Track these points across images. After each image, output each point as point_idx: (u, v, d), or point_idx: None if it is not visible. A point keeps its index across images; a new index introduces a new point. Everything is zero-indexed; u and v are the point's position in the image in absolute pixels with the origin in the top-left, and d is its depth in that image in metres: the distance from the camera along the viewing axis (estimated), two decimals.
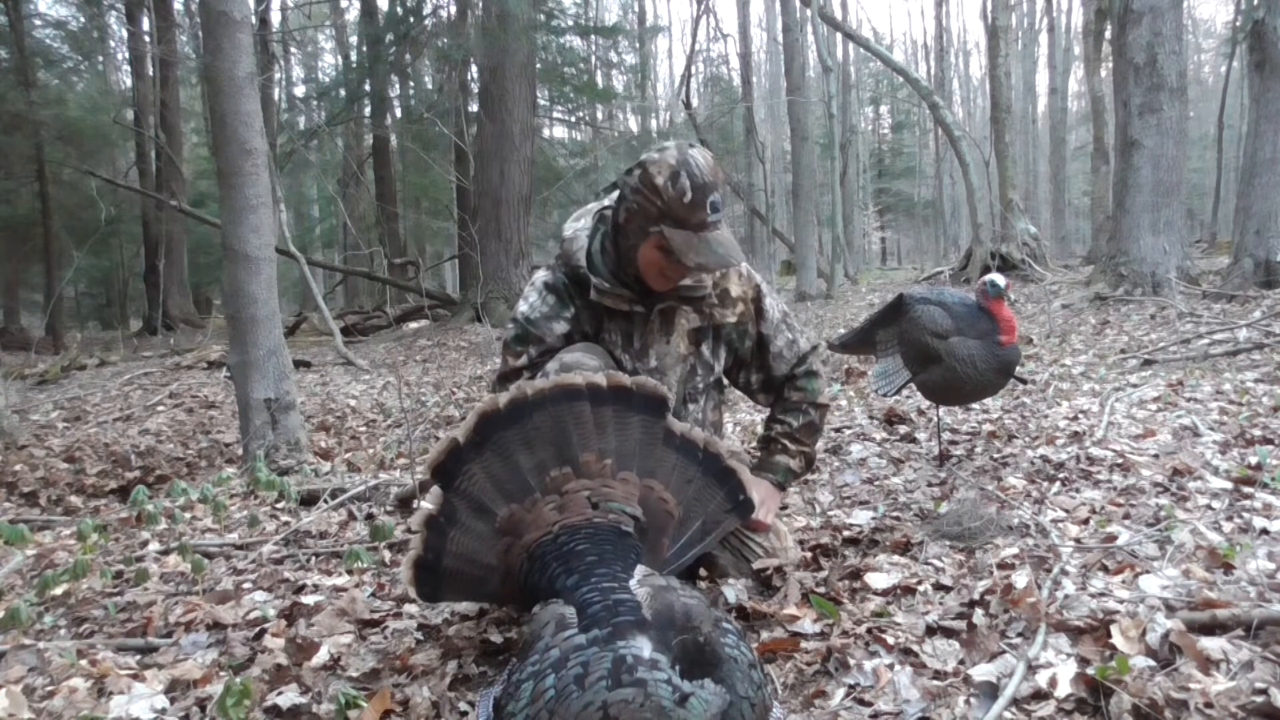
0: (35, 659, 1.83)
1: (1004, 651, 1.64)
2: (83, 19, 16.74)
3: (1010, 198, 12.50)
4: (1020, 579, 1.89)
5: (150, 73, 16.72)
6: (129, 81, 18.86)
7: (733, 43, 26.95)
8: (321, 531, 2.83)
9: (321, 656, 1.78)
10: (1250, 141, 8.32)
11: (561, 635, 1.22)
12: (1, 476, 4.40)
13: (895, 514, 2.59)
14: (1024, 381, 3.78)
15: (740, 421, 4.33)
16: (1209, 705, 1.38)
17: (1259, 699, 1.38)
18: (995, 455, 3.21)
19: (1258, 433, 3.15)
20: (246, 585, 2.32)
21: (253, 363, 3.96)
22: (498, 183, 11.82)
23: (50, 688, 1.71)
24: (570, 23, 15.30)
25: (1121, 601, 1.79)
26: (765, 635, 1.79)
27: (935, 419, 3.62)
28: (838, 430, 3.90)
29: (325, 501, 3.13)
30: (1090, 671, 1.49)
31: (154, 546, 2.73)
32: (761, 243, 26.48)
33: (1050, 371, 5.08)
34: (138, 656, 1.89)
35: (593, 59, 17.50)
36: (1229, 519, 2.27)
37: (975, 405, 3.94)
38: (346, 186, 17.49)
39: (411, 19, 13.19)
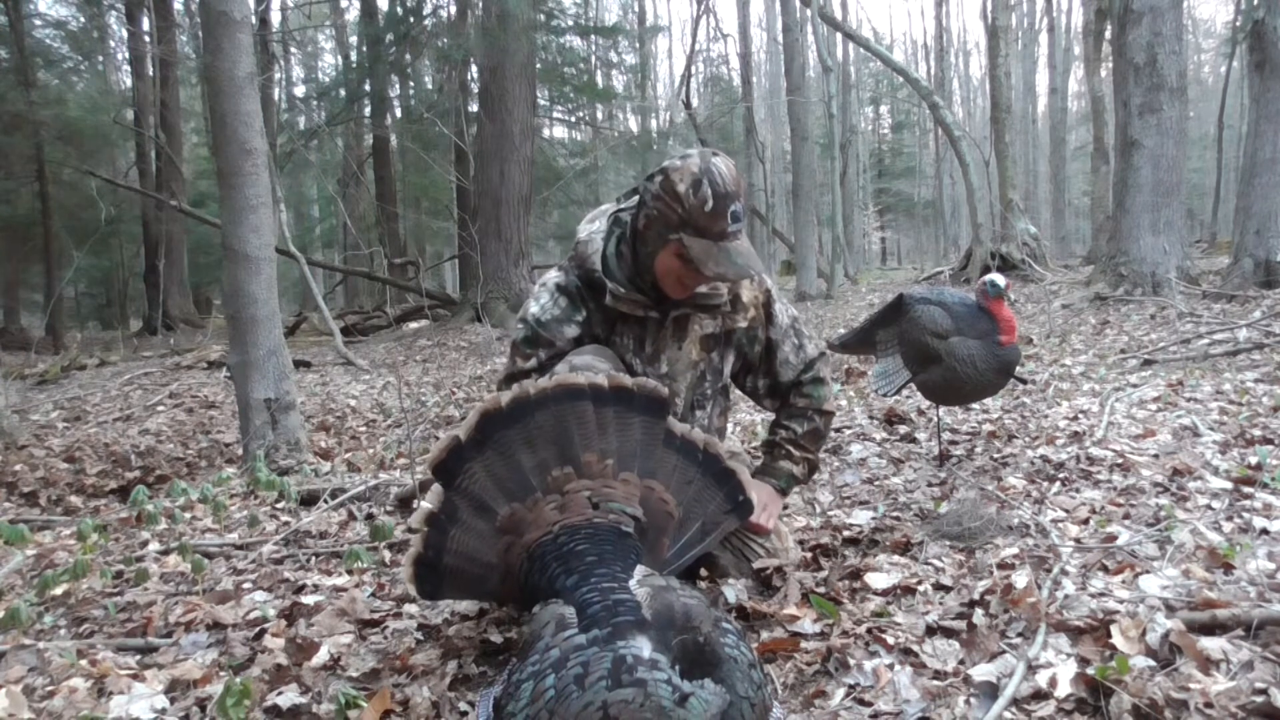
0: (35, 659, 1.83)
1: (1004, 651, 1.64)
2: (83, 19, 16.75)
3: (1010, 198, 12.50)
4: (1020, 579, 1.89)
5: (150, 73, 16.72)
6: (129, 81, 18.87)
7: (733, 43, 26.97)
8: (321, 531, 2.83)
9: (321, 656, 1.78)
10: (1250, 141, 8.32)
11: (561, 635, 1.22)
12: (1, 476, 4.40)
13: (895, 514, 2.59)
14: (1024, 381, 3.78)
15: (740, 422, 4.33)
16: (1209, 705, 1.38)
17: (1259, 699, 1.38)
18: (995, 455, 3.21)
19: (1258, 433, 3.15)
20: (246, 585, 2.32)
21: (253, 363, 3.96)
22: (498, 183, 11.82)
23: (50, 688, 1.71)
24: (570, 23, 15.31)
25: (1121, 601, 1.79)
26: (765, 635, 1.79)
27: (935, 419, 3.62)
28: (838, 430, 3.90)
29: (325, 501, 3.13)
30: (1090, 671, 1.49)
31: (154, 546, 2.73)
32: (761, 243, 26.46)
33: (1050, 371, 5.08)
34: (138, 656, 1.89)
35: (593, 59, 17.51)
36: (1229, 519, 2.27)
37: (975, 405, 3.94)
38: (346, 186, 17.49)
39: (411, 19, 13.19)
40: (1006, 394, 4.22)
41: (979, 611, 1.80)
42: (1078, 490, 2.67)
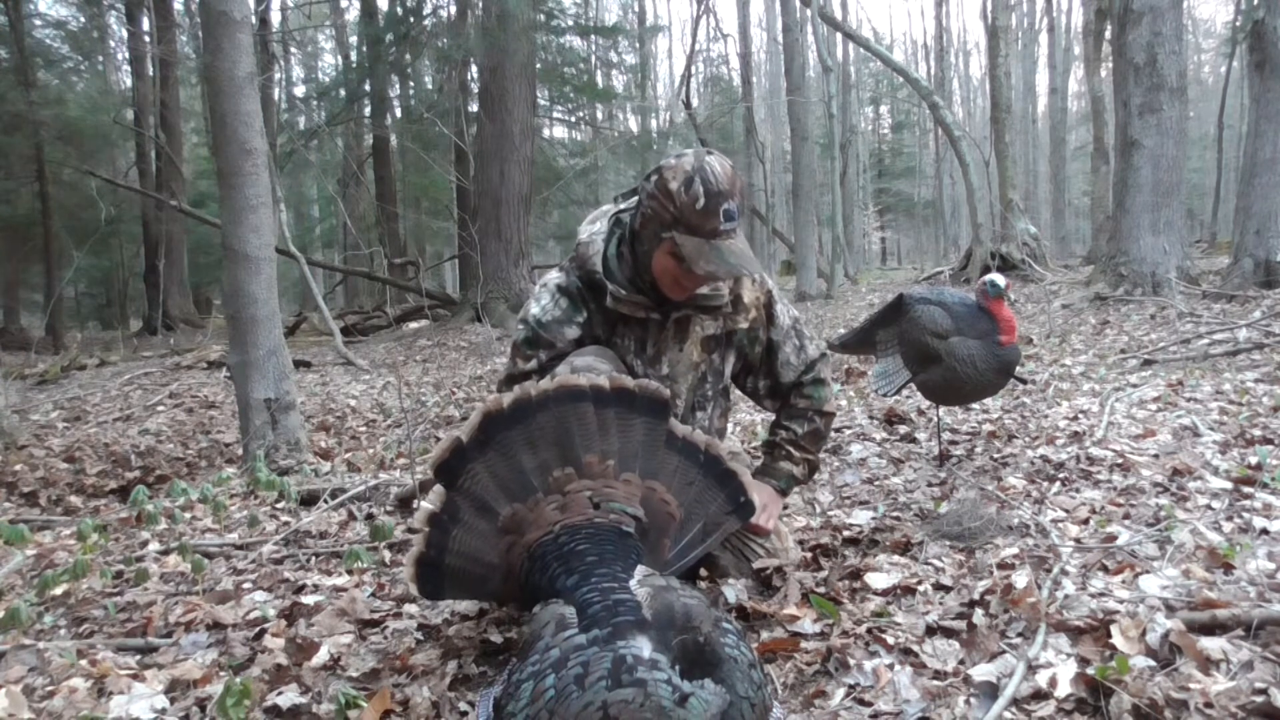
0: (35, 659, 1.83)
1: (1004, 651, 1.64)
2: (83, 19, 16.76)
3: (1010, 198, 12.50)
4: (1020, 579, 1.89)
5: (150, 73, 16.72)
6: (129, 81, 18.86)
7: (733, 43, 26.96)
8: (321, 531, 2.83)
9: (321, 656, 1.78)
10: (1250, 141, 8.32)
11: (562, 635, 1.22)
12: (1, 476, 4.40)
13: (895, 514, 2.59)
14: (1024, 381, 3.78)
15: (740, 422, 4.33)
16: (1209, 705, 1.38)
17: (1259, 699, 1.38)
18: (995, 455, 3.21)
19: (1258, 433, 3.15)
20: (246, 585, 2.32)
21: (253, 363, 3.96)
22: (498, 183, 11.82)
23: (50, 688, 1.71)
24: (570, 23, 15.31)
25: (1121, 601, 1.79)
26: (765, 635, 1.79)
27: (935, 419, 3.62)
28: (838, 430, 3.90)
29: (325, 501, 3.13)
30: (1090, 671, 1.49)
31: (154, 546, 2.73)
32: (761, 243, 26.47)
33: (1050, 371, 5.08)
34: (138, 656, 1.89)
35: (593, 59, 17.51)
36: (1229, 519, 2.27)
37: (975, 405, 3.94)
38: (346, 186, 17.49)
39: (411, 19, 13.19)
40: (1006, 394, 4.22)
41: (979, 611, 1.80)
42: (1078, 490, 2.67)
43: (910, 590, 1.96)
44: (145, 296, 17.29)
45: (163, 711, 1.62)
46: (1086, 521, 2.36)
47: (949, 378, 2.99)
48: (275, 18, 17.65)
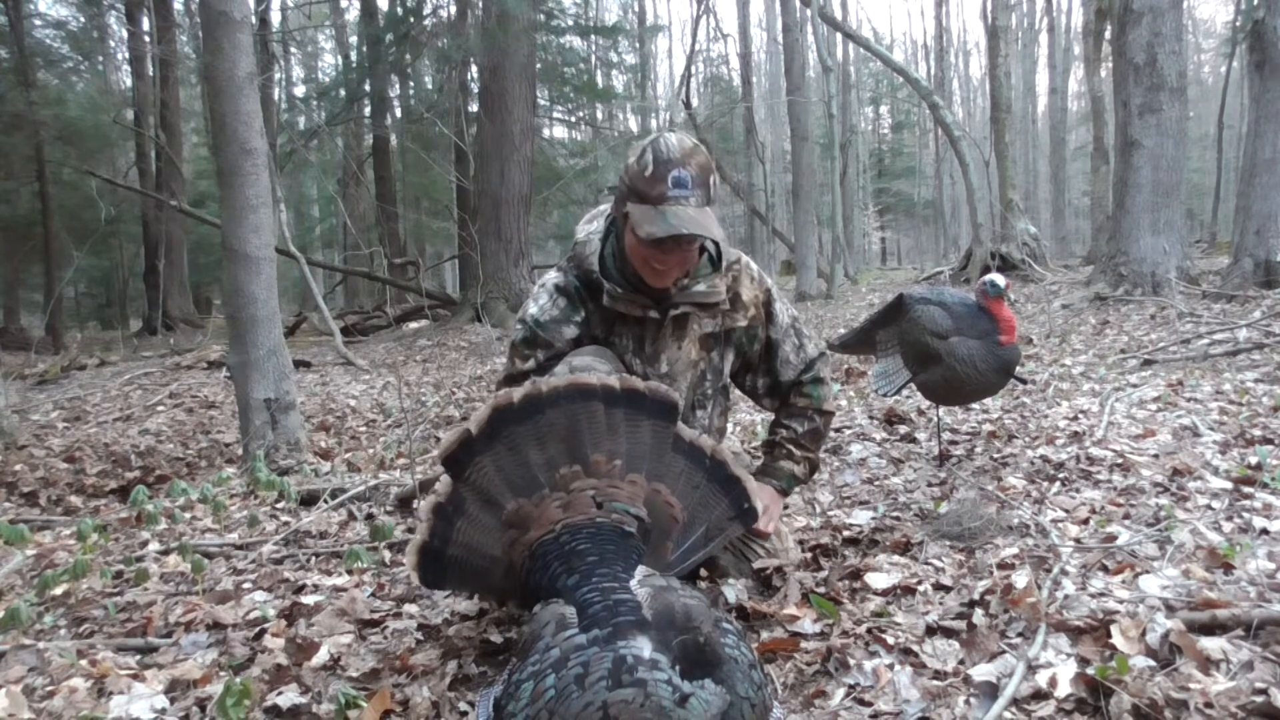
0: (35, 659, 1.83)
1: (1004, 651, 1.64)
2: (83, 19, 16.74)
3: (1010, 198, 12.50)
4: (1020, 579, 1.89)
5: (150, 73, 16.71)
6: (129, 81, 18.86)
7: (733, 43, 26.95)
8: (321, 531, 2.83)
9: (321, 656, 1.78)
10: (1250, 141, 8.32)
11: (562, 635, 1.22)
12: (1, 476, 4.40)
13: (895, 514, 2.59)
14: (1024, 381, 3.78)
15: (740, 422, 4.33)
16: (1209, 705, 1.38)
17: (1259, 699, 1.39)
18: (995, 455, 3.21)
19: (1258, 433, 3.15)
20: (246, 585, 2.32)
21: (253, 363, 3.96)
22: (498, 183, 11.81)
23: (50, 688, 1.71)
24: (570, 23, 15.29)
25: (1121, 601, 1.79)
26: (765, 635, 1.79)
27: (935, 419, 3.62)
28: (838, 430, 3.90)
29: (325, 501, 3.13)
30: (1090, 671, 1.49)
31: (154, 546, 2.72)
32: (761, 243, 26.48)
33: (1050, 371, 5.08)
34: (138, 656, 1.89)
35: (593, 59, 17.49)
36: (1229, 519, 2.27)
37: (975, 405, 3.94)
38: (346, 186, 17.48)
39: (411, 19, 13.18)
40: (1006, 394, 4.22)
41: (979, 611, 1.80)
42: (1078, 490, 2.67)
43: (910, 590, 1.96)
44: (145, 296, 17.28)
45: (163, 711, 1.62)
46: (1086, 521, 2.36)
47: (949, 378, 2.99)
48: (275, 18, 17.66)
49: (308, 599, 2.14)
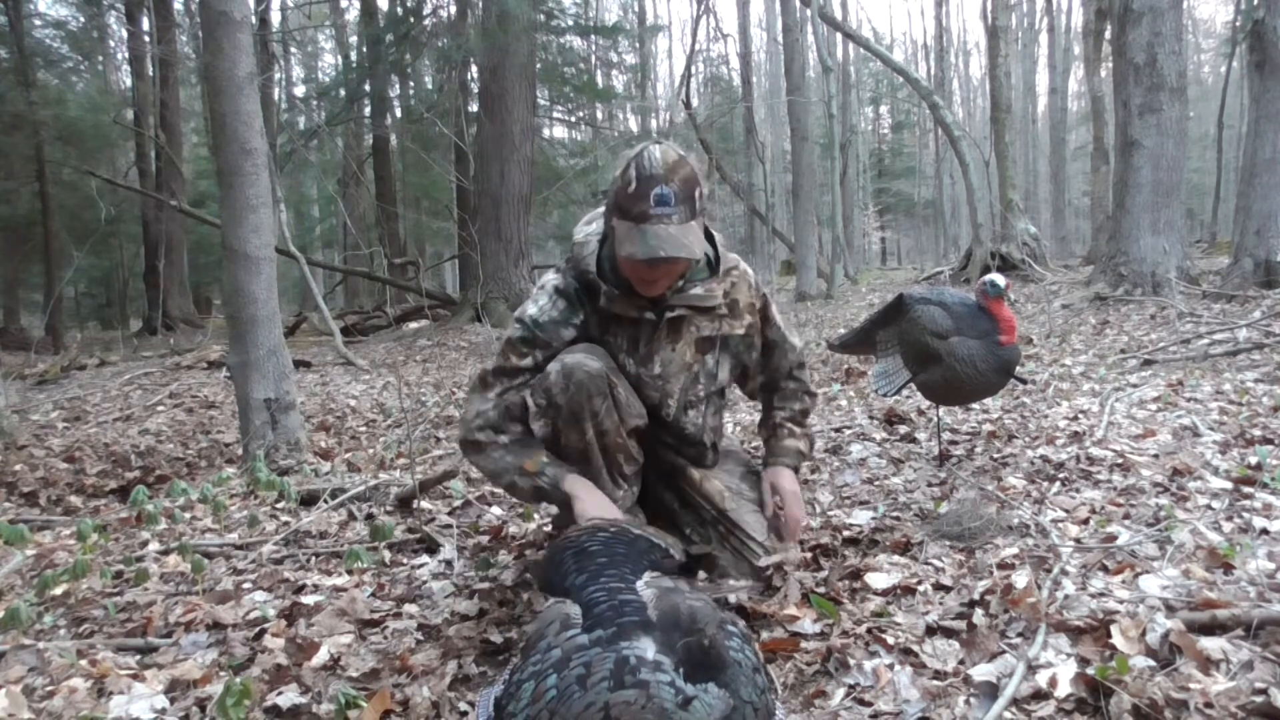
0: (35, 659, 1.83)
1: (1004, 651, 1.64)
2: (83, 19, 16.75)
3: (1010, 198, 12.50)
4: (1020, 579, 1.89)
5: (150, 73, 16.71)
6: (129, 81, 18.86)
7: (733, 43, 26.94)
8: (321, 531, 2.83)
9: (321, 656, 1.78)
10: (1250, 141, 8.32)
11: (564, 635, 1.21)
12: (1, 476, 4.40)
13: (895, 514, 2.59)
14: (1024, 381, 3.77)
15: (740, 422, 4.33)
16: (1209, 705, 1.38)
17: (1259, 699, 1.39)
18: (995, 455, 3.21)
19: (1258, 433, 3.15)
20: (246, 585, 2.32)
21: (253, 363, 3.96)
22: (498, 183, 11.81)
23: (50, 688, 1.71)
24: (570, 23, 15.28)
25: (1121, 601, 1.79)
26: (765, 635, 1.79)
27: (935, 419, 3.62)
28: (838, 430, 3.90)
29: (325, 501, 3.13)
30: (1090, 671, 1.49)
31: (154, 546, 2.72)
32: (761, 243, 26.47)
33: (1050, 371, 5.08)
34: (138, 656, 1.89)
35: (593, 59, 17.49)
36: (1229, 519, 2.27)
37: (975, 405, 3.94)
38: (346, 186, 17.48)
39: (411, 19, 13.19)
40: (1006, 394, 4.22)
41: (979, 611, 1.80)
42: (1078, 490, 2.67)
43: (910, 590, 1.96)
44: (145, 296, 17.28)
45: (163, 711, 1.62)
46: (1086, 521, 2.36)
47: (949, 378, 2.99)
48: (275, 18, 17.66)
49: (308, 599, 2.14)
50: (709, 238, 2.07)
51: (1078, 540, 2.22)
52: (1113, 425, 3.45)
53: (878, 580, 2.01)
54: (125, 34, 18.20)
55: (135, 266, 19.22)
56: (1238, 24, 15.96)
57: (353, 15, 19.78)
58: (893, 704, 1.51)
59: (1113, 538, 2.18)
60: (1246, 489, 2.49)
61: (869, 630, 1.75)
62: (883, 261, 37.88)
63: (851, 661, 1.64)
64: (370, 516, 3.01)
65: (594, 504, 1.87)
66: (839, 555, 2.27)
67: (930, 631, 1.76)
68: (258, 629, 1.97)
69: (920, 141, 35.32)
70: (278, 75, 19.38)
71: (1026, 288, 10.55)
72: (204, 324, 14.68)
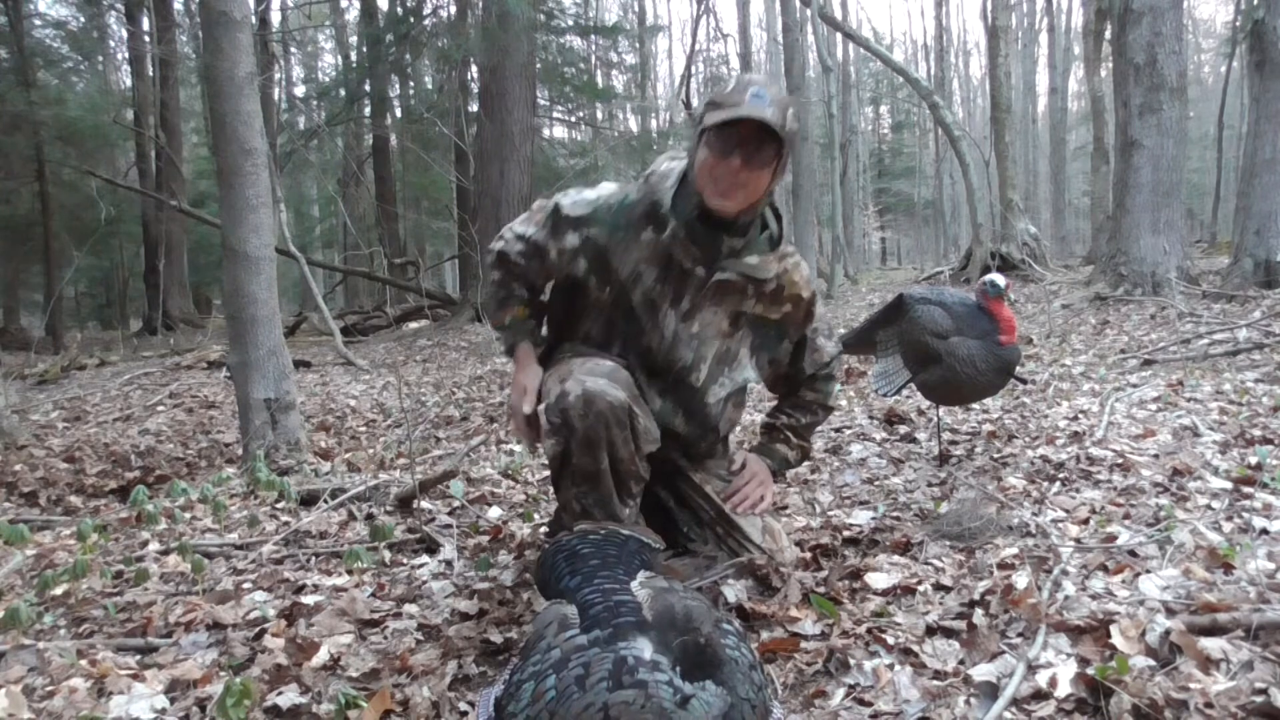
0: (35, 659, 1.83)
1: (1004, 651, 1.64)
2: (83, 19, 16.74)
3: (1010, 198, 12.50)
4: (1020, 579, 1.89)
5: (150, 73, 16.71)
6: (129, 81, 18.86)
7: (733, 43, 26.91)
8: (321, 531, 2.83)
9: (321, 656, 1.78)
10: (1250, 141, 8.32)
11: (563, 636, 1.22)
12: (1, 476, 4.40)
13: (895, 514, 2.59)
14: (1024, 381, 3.78)
15: (741, 422, 4.33)
16: (1209, 705, 1.38)
17: (1259, 699, 1.38)
18: (995, 455, 3.21)
19: (1258, 433, 3.15)
20: (246, 585, 2.32)
21: (253, 363, 3.96)
22: (498, 183, 11.81)
23: (50, 688, 1.71)
24: (570, 23, 15.28)
25: (1121, 602, 1.79)
26: (765, 635, 1.79)
27: (935, 419, 3.62)
28: (838, 430, 3.90)
29: (325, 501, 3.13)
30: (1090, 671, 1.49)
31: (154, 546, 2.72)
32: None
33: (1050, 371, 5.08)
34: (138, 656, 1.89)
35: (593, 59, 17.49)
36: (1229, 519, 2.27)
37: (975, 405, 3.94)
38: (346, 186, 17.50)
39: (411, 19, 13.18)
40: (1006, 394, 4.22)
41: (979, 611, 1.80)
42: (1078, 490, 2.67)
43: (910, 590, 1.96)
44: (145, 296, 17.28)
45: (163, 711, 1.62)
46: (1086, 521, 2.35)
47: (949, 378, 2.99)
48: (275, 18, 17.66)
49: (308, 599, 2.14)
50: (776, 215, 2.06)
51: (1078, 540, 2.22)
52: (1113, 425, 3.45)
53: (878, 580, 2.01)
54: (125, 34, 18.22)
55: (135, 266, 19.22)
56: (1238, 24, 15.95)
57: (353, 15, 19.80)
58: (893, 704, 1.51)
59: (1113, 538, 2.17)
60: (1246, 489, 2.49)
61: (869, 630, 1.75)
62: (883, 261, 37.89)
63: (851, 661, 1.64)
64: (370, 516, 3.00)
65: (525, 374, 2.05)
66: (839, 555, 2.26)
67: (930, 631, 1.76)
68: (258, 629, 1.97)
69: (920, 141, 35.30)
70: (278, 75, 19.37)
71: (1026, 288, 10.55)
72: (204, 324, 14.66)
